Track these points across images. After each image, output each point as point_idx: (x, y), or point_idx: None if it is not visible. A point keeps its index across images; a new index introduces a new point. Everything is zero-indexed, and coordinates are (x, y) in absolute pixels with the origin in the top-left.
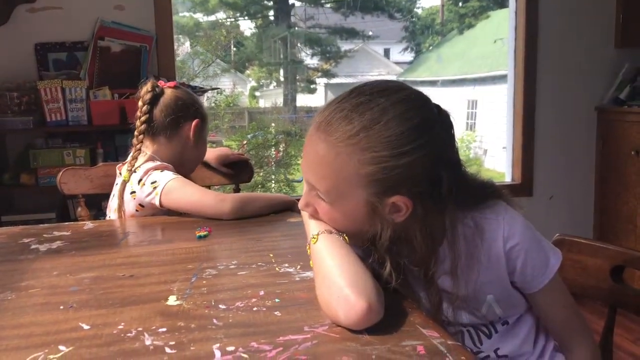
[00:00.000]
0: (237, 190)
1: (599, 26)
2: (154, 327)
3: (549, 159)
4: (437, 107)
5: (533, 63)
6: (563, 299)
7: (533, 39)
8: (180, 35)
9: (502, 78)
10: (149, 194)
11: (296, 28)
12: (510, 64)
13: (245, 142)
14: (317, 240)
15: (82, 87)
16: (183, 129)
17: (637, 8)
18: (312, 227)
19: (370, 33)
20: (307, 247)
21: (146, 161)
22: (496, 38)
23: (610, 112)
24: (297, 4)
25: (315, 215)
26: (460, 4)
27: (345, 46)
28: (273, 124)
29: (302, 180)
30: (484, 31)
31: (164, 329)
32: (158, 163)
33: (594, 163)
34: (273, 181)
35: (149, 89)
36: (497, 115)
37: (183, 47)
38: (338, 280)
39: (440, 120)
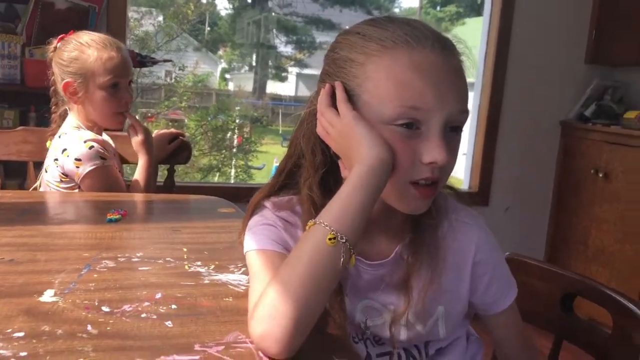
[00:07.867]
0: (171, 171)
1: (572, 41)
2: (9, 330)
3: (508, 169)
4: None
5: (502, 71)
6: (520, 320)
7: (504, 47)
8: (154, 9)
9: (470, 85)
10: (71, 169)
11: (273, 13)
12: (479, 70)
13: (204, 123)
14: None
15: (17, 43)
16: (65, 92)
17: (610, 26)
18: None
19: (347, 27)
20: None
21: (70, 127)
22: (470, 45)
23: (574, 128)
24: None
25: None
26: (438, 7)
27: (320, 38)
28: (237, 108)
29: (262, 168)
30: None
31: (21, 334)
32: (83, 132)
33: (553, 178)
34: (233, 167)
35: (51, 50)
36: None
37: (155, 23)
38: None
39: None
